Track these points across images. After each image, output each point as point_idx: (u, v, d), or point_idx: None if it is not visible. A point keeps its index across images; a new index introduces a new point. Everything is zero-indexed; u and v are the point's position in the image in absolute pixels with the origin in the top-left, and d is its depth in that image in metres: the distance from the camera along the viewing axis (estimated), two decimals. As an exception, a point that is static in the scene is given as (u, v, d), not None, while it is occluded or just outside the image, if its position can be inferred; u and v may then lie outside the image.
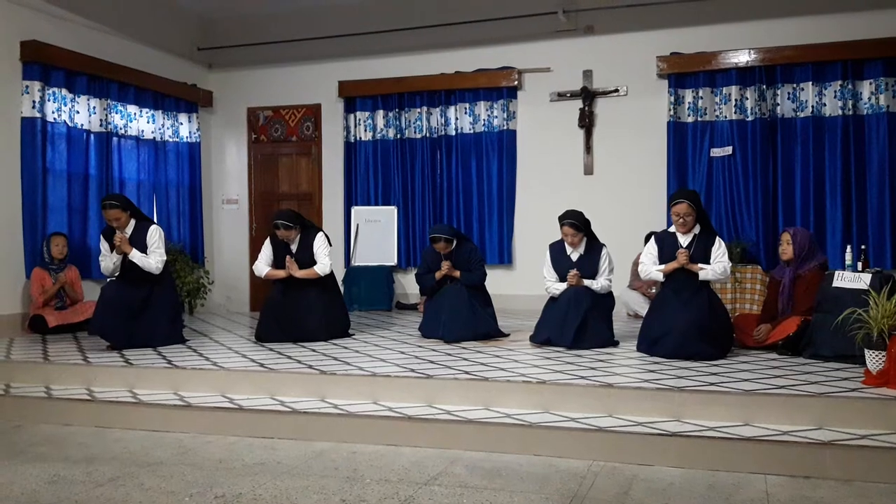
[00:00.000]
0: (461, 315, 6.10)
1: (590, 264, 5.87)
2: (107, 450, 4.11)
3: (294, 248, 6.35)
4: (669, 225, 5.66)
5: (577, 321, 5.63)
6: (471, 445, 3.97)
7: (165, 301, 6.10)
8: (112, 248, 5.94)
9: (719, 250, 5.39)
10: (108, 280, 6.17)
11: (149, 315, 5.96)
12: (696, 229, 5.46)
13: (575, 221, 5.84)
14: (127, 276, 5.97)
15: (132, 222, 6.02)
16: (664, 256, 5.49)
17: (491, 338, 6.16)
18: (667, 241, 5.54)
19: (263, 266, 6.39)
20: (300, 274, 6.22)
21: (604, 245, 5.98)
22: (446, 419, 4.12)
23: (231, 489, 3.40)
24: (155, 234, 6.00)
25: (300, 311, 6.22)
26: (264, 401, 4.60)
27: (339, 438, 4.18)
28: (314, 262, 6.28)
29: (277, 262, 6.35)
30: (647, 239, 7.47)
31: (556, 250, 6.01)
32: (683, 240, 5.45)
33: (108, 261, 6.01)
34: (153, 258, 5.94)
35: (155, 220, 8.69)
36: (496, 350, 5.59)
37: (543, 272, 6.03)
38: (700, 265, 5.34)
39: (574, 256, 5.92)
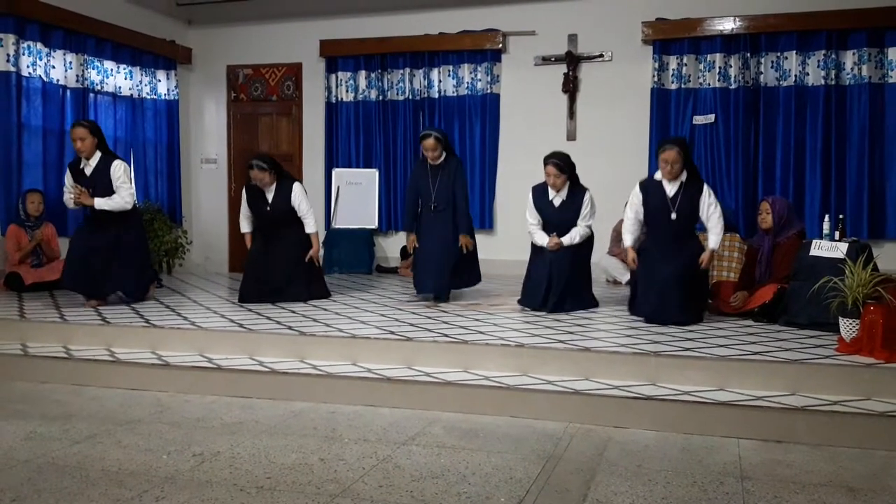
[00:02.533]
0: (446, 268, 6.09)
1: (572, 209, 5.79)
2: (84, 407, 4.09)
3: (270, 196, 6.26)
4: (654, 172, 5.62)
5: (559, 289, 5.66)
6: (449, 407, 4.00)
7: (134, 244, 5.99)
8: (75, 180, 5.83)
9: (709, 203, 5.34)
10: (77, 229, 6.04)
11: (118, 259, 5.87)
12: (683, 177, 5.40)
13: (559, 162, 5.76)
14: (94, 220, 5.87)
15: (98, 154, 5.86)
16: (650, 204, 5.44)
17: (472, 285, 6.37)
18: (652, 188, 5.48)
19: (245, 223, 6.40)
20: (317, 248, 6.33)
21: (587, 189, 5.88)
22: (425, 381, 4.14)
23: (209, 447, 3.41)
24: (119, 169, 5.84)
25: (281, 271, 6.19)
26: (243, 361, 4.60)
27: (318, 398, 4.19)
28: (291, 212, 6.21)
29: (254, 212, 6.30)
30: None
31: (539, 193, 5.91)
32: (670, 188, 5.39)
33: (68, 195, 5.90)
34: (121, 193, 5.81)
35: (133, 178, 8.60)
36: (476, 314, 5.61)
37: (526, 215, 5.95)
38: (709, 246, 5.32)
39: (556, 201, 5.83)
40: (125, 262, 5.94)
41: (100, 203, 5.78)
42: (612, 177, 8.31)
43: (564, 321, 5.29)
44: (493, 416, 3.90)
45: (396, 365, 4.44)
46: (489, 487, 2.94)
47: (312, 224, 6.30)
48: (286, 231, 6.27)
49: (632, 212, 5.53)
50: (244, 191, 6.39)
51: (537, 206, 5.90)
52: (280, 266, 6.21)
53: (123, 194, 5.84)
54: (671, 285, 5.17)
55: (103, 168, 5.83)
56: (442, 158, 6.21)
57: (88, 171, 5.85)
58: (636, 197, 5.52)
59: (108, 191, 5.82)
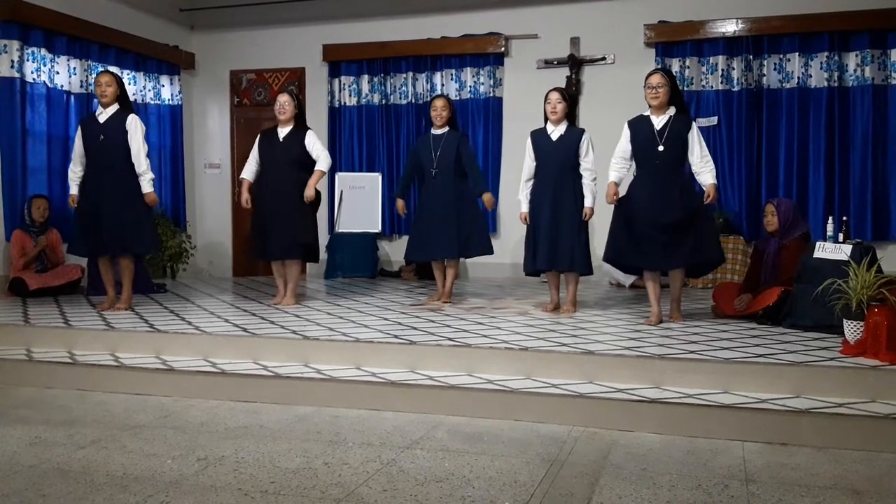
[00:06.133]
0: (450, 234, 6.15)
1: (570, 143, 5.76)
2: (88, 413, 4.10)
3: (282, 135, 6.26)
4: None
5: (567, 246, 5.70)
6: (453, 410, 4.00)
7: (133, 204, 5.93)
8: (85, 139, 5.81)
9: (697, 140, 5.26)
10: (77, 200, 5.97)
11: (118, 219, 5.83)
12: (671, 111, 5.32)
13: (563, 90, 5.89)
14: (94, 184, 5.84)
15: (116, 105, 5.89)
16: (637, 139, 5.34)
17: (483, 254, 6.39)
18: (640, 124, 5.39)
19: (248, 171, 6.31)
20: (313, 185, 6.20)
21: (584, 129, 5.90)
22: (429, 384, 4.14)
23: (213, 452, 3.41)
24: (134, 123, 5.85)
25: (280, 224, 6.14)
26: (247, 365, 4.61)
27: (322, 403, 4.19)
28: (303, 157, 6.18)
29: (263, 155, 6.25)
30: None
31: (537, 133, 5.89)
32: (657, 121, 5.29)
33: (71, 182, 5.92)
34: (141, 157, 5.84)
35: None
36: (479, 317, 5.61)
37: (525, 160, 5.89)
38: (709, 181, 5.22)
39: (554, 136, 5.79)
40: (125, 224, 5.86)
41: (148, 185, 5.87)
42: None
43: (567, 324, 5.28)
44: (497, 419, 3.89)
45: (400, 369, 4.44)
46: (493, 491, 2.94)
47: (325, 163, 6.23)
48: (292, 180, 6.18)
49: (619, 148, 5.44)
50: (258, 141, 6.35)
51: (535, 145, 5.84)
52: (279, 219, 6.13)
53: (143, 156, 5.85)
54: (670, 231, 5.18)
55: (118, 119, 5.85)
56: (446, 129, 6.30)
57: (103, 118, 5.87)
58: (624, 134, 5.43)
59: (118, 141, 5.80)
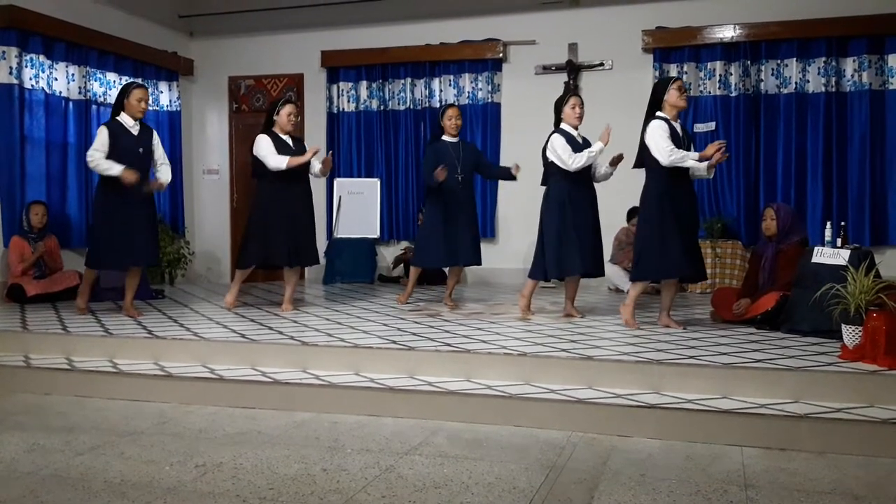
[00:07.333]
0: (475, 240, 6.40)
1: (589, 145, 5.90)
2: (86, 419, 4.09)
3: (290, 142, 6.25)
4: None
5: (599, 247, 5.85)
6: (452, 416, 3.99)
7: (153, 214, 6.23)
8: (119, 148, 5.76)
9: None
10: (102, 204, 5.95)
11: (143, 231, 5.97)
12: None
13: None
14: (128, 194, 5.84)
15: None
16: (675, 142, 5.16)
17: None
18: (670, 126, 5.23)
19: (281, 157, 6.04)
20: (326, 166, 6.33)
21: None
22: (428, 390, 4.14)
23: (212, 459, 3.40)
24: (159, 143, 6.15)
25: (295, 231, 6.18)
26: (245, 371, 4.60)
27: (321, 409, 4.19)
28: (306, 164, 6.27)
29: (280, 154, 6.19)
30: (629, 215, 7.52)
31: (567, 134, 5.87)
32: (678, 127, 5.27)
33: (108, 164, 5.73)
34: (168, 168, 6.15)
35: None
36: (478, 322, 5.61)
37: (563, 156, 5.72)
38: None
39: (579, 139, 5.90)
40: (153, 233, 6.15)
41: (167, 178, 6.10)
42: (613, 185, 8.31)
43: (566, 329, 5.28)
44: (495, 425, 3.89)
45: (399, 374, 4.44)
46: (492, 497, 2.93)
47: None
48: (303, 184, 6.27)
49: (667, 138, 5.13)
50: (272, 139, 6.15)
51: (570, 144, 5.81)
52: (294, 224, 6.16)
53: (167, 164, 6.16)
54: (693, 239, 5.26)
55: (147, 134, 6.02)
56: (457, 138, 6.42)
57: (136, 131, 5.94)
58: (663, 128, 5.17)
59: (150, 154, 6.01)
